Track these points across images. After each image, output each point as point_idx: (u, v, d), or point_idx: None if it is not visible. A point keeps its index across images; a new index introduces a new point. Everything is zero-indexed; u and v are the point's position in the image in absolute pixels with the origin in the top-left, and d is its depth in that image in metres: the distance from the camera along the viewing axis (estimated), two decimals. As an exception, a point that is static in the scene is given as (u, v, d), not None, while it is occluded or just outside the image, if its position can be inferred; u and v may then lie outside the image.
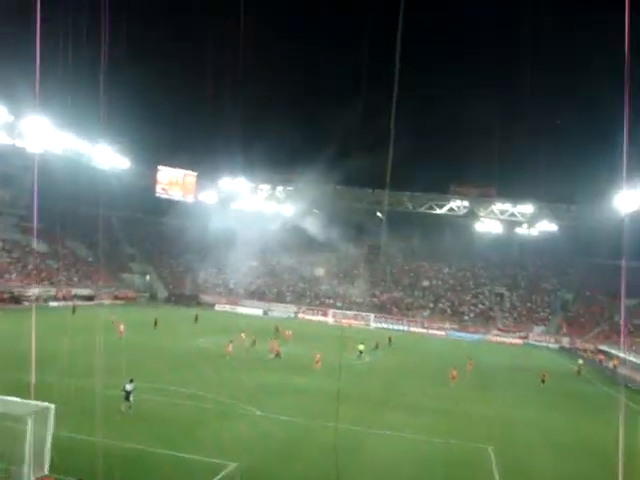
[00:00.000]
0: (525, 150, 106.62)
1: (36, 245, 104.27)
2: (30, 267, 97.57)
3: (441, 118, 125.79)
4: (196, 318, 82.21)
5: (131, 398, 31.13)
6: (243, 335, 62.44)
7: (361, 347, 62.51)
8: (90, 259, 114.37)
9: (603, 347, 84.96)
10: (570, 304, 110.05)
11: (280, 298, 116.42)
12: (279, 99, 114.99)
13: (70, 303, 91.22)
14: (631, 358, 67.43)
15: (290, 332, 71.89)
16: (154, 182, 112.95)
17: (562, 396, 50.72)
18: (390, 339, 77.06)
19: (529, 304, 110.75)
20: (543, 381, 54.38)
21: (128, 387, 31.34)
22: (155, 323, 71.12)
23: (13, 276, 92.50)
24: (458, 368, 52.80)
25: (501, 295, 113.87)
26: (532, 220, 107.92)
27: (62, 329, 59.38)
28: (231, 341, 55.29)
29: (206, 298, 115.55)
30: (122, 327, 59.36)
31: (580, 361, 70.87)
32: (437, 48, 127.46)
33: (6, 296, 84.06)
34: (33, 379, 25.98)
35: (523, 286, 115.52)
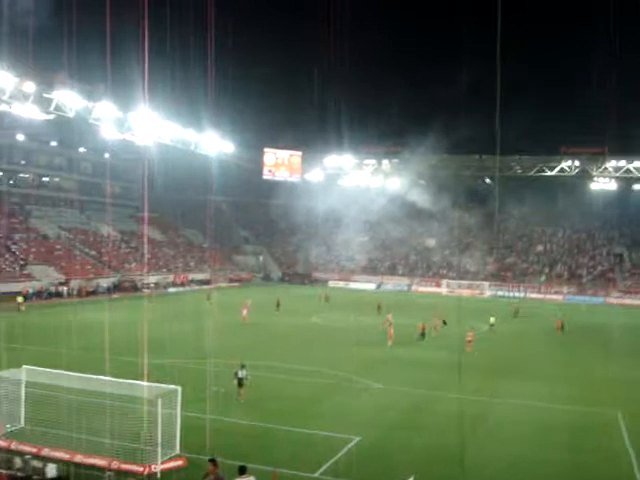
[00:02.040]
0: (636, 104, 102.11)
1: (152, 234, 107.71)
2: (148, 256, 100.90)
3: (547, 79, 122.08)
4: (327, 298, 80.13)
5: (244, 383, 30.66)
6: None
7: (492, 320, 59.34)
8: (204, 244, 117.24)
9: None
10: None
11: (392, 271, 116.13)
12: (382, 73, 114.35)
13: (188, 288, 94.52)
14: None
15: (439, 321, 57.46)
16: (261, 165, 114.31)
17: None
18: (517, 310, 71.71)
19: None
20: None
21: (240, 374, 30.73)
22: (277, 305, 70.05)
23: (132, 265, 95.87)
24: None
25: (620, 255, 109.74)
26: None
27: (192, 313, 61.46)
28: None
29: (319, 275, 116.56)
30: (245, 311, 60.16)
31: None
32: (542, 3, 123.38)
33: (127, 284, 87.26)
34: (162, 362, 27.03)
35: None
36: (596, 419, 29.74)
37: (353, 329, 56.23)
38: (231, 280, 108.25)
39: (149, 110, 79.77)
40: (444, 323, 55.68)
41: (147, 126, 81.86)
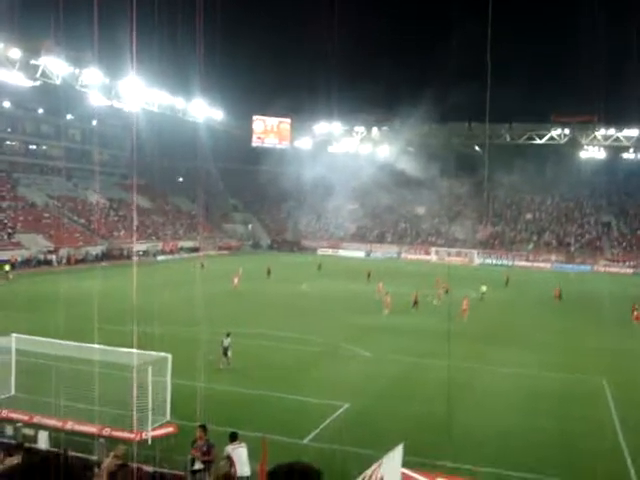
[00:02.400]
0: (626, 73, 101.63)
1: (140, 201, 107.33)
2: (137, 223, 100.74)
3: (536, 46, 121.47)
4: (319, 266, 79.40)
5: (229, 353, 30.55)
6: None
7: (484, 288, 58.69)
8: (193, 212, 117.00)
9: None
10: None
11: (381, 239, 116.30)
12: (371, 41, 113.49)
13: (177, 256, 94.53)
14: None
15: (445, 285, 56.42)
16: (250, 132, 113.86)
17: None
18: (508, 279, 71.39)
19: (639, 232, 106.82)
20: None
21: (225, 342, 30.65)
22: (268, 272, 69.93)
23: (121, 233, 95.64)
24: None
25: (608, 224, 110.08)
26: (638, 144, 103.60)
27: (183, 281, 61.42)
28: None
29: (308, 243, 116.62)
30: (236, 279, 60.22)
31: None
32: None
33: (116, 252, 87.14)
34: (153, 330, 27.05)
35: (632, 213, 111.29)
36: (584, 387, 30.01)
37: (343, 297, 56.51)
38: (220, 248, 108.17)
39: (137, 77, 79.12)
40: (446, 292, 54.55)
41: (135, 93, 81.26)
